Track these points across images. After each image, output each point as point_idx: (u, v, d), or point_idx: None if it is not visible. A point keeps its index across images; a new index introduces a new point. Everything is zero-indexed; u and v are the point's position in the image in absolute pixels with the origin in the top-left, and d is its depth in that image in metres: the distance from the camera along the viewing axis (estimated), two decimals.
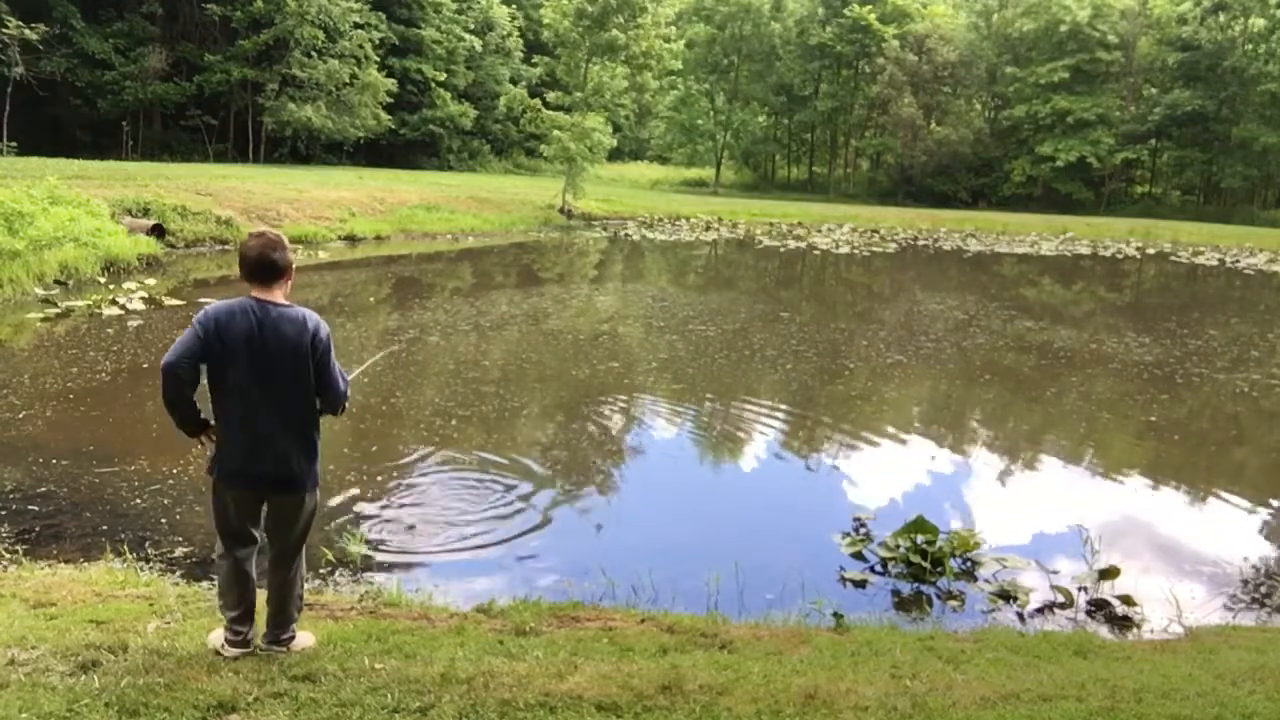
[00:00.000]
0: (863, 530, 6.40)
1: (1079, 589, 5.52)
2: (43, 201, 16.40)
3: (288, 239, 3.75)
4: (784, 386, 11.00)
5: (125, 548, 5.42)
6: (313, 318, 3.58)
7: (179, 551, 5.50)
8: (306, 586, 4.17)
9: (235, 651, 3.67)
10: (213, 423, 3.61)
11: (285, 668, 3.58)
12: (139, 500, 6.28)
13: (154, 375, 9.45)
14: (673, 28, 40.44)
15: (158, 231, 19.23)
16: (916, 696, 3.62)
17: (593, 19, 33.79)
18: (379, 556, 5.67)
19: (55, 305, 13.26)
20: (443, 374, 10.86)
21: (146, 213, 19.91)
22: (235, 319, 3.48)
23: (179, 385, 3.44)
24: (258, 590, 3.82)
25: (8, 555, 5.28)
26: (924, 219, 43.07)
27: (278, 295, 3.59)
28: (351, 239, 24.57)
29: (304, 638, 3.88)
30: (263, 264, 3.55)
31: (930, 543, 5.77)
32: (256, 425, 3.54)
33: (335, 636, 3.98)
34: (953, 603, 5.42)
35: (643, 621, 4.57)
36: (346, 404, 3.79)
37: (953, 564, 5.79)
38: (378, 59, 44.77)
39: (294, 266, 3.68)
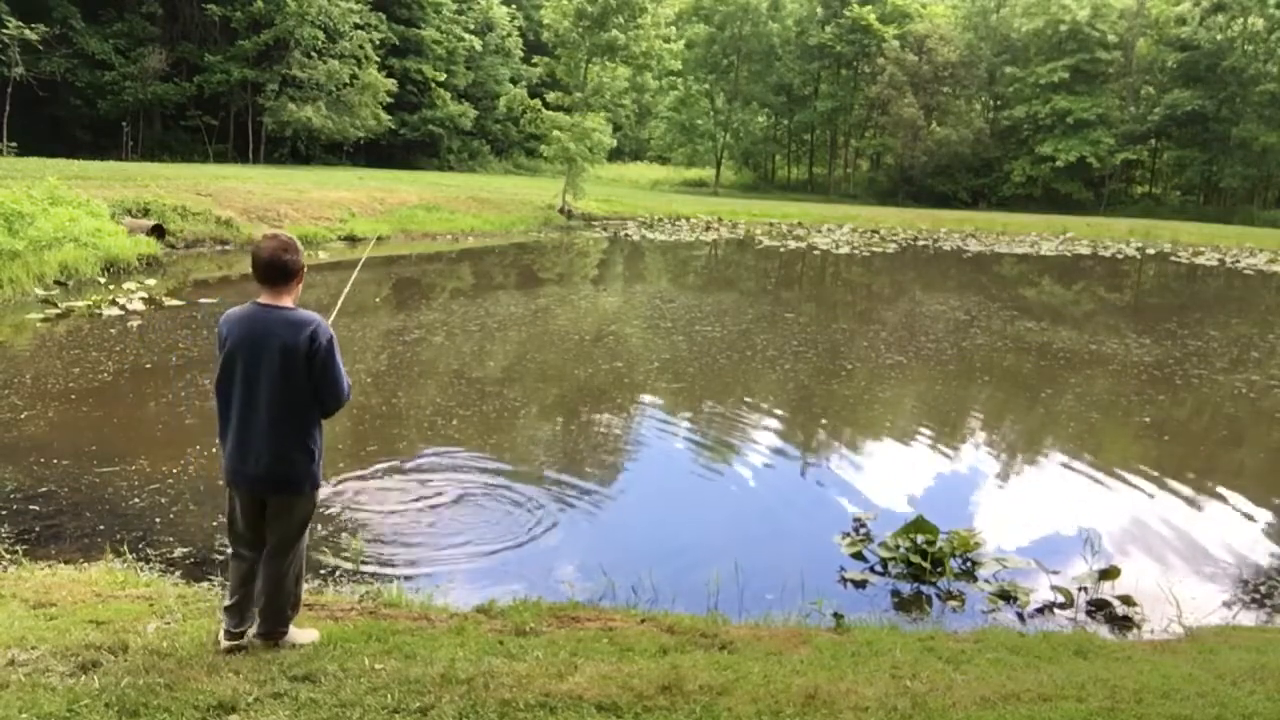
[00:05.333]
0: (863, 530, 6.40)
1: (1079, 589, 5.52)
2: (43, 202, 16.41)
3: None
4: (784, 387, 11.00)
5: (125, 548, 5.42)
6: (313, 319, 3.59)
7: (179, 551, 5.50)
8: (306, 587, 4.17)
9: (228, 644, 3.70)
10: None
11: (285, 668, 3.58)
12: (139, 500, 6.28)
13: (154, 375, 9.46)
14: (672, 28, 40.45)
15: (158, 232, 19.23)
16: (916, 697, 3.62)
17: (593, 19, 33.80)
18: (379, 557, 5.67)
19: (55, 305, 13.25)
20: (445, 374, 10.87)
21: (146, 213, 19.92)
22: (242, 324, 3.58)
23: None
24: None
25: (8, 555, 5.28)
26: (924, 219, 43.06)
27: (286, 300, 3.62)
28: (351, 239, 24.57)
29: (306, 634, 3.90)
30: (273, 266, 3.57)
31: (930, 543, 5.77)
32: (250, 427, 3.58)
33: (335, 636, 3.97)
34: (953, 603, 5.42)
35: (643, 622, 4.57)
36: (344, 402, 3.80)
37: (953, 564, 5.80)
38: (378, 59, 44.79)
39: (304, 269, 3.71)
